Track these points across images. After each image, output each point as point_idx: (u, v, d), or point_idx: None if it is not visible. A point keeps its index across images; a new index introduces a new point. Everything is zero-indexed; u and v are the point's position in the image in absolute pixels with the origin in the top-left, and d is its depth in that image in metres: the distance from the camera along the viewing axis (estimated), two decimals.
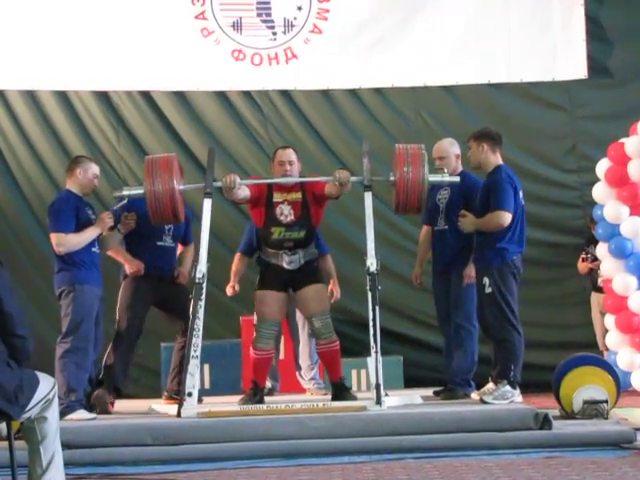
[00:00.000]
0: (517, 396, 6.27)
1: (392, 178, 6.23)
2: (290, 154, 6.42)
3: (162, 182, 6.12)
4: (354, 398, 6.24)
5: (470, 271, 6.55)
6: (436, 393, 6.78)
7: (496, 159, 6.48)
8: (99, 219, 6.31)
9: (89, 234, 6.24)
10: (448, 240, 6.69)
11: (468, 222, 6.42)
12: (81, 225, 6.25)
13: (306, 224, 6.35)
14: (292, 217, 6.32)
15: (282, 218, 6.32)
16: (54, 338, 6.34)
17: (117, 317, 6.62)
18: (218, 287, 8.18)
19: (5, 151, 8.78)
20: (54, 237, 6.21)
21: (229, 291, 7.30)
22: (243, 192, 6.30)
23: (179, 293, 6.73)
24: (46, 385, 4.17)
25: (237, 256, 7.30)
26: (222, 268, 7.68)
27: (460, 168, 6.78)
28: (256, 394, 6.31)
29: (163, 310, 6.81)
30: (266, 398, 6.50)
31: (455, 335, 6.67)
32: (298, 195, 6.36)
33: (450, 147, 6.80)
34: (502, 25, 8.94)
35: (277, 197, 6.36)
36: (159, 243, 6.71)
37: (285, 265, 6.32)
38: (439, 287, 6.82)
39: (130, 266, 6.61)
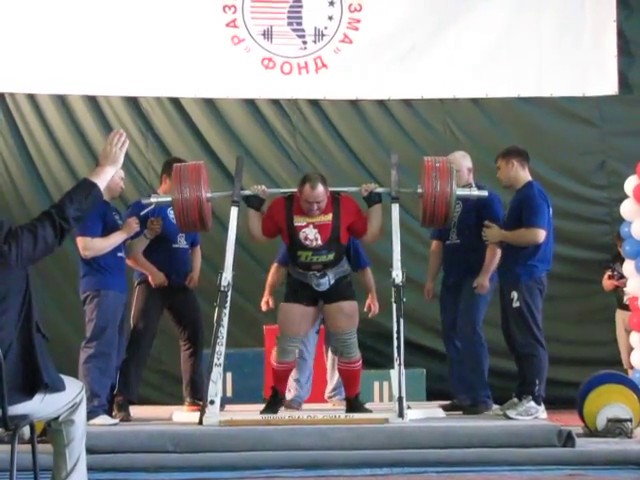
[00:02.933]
0: (541, 412, 6.25)
1: (419, 190, 6.23)
2: (318, 195, 6.05)
3: (190, 190, 6.14)
4: (369, 412, 6.21)
5: (484, 281, 6.51)
6: (444, 408, 6.64)
7: (525, 175, 6.49)
8: (126, 224, 6.34)
9: (115, 239, 6.26)
10: (460, 254, 6.64)
11: (495, 233, 6.40)
12: (107, 230, 6.27)
13: (335, 246, 6.20)
14: (319, 241, 6.15)
15: (308, 243, 6.15)
16: (78, 343, 6.37)
17: (132, 323, 6.63)
18: (242, 295, 8.22)
19: (35, 155, 8.83)
20: (80, 241, 6.22)
21: (264, 307, 7.04)
22: (256, 230, 6.24)
23: (189, 299, 6.79)
24: (73, 389, 4.19)
25: (274, 267, 7.06)
26: (247, 276, 7.71)
27: (472, 182, 6.76)
28: (276, 401, 6.31)
29: (172, 314, 6.83)
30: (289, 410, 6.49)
31: (465, 345, 6.60)
32: (328, 218, 6.16)
33: (462, 160, 6.75)
34: (533, 39, 8.91)
35: (299, 221, 6.17)
36: (174, 245, 6.74)
37: (314, 287, 6.21)
38: (447, 299, 6.77)
39: (154, 278, 6.61)
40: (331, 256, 6.20)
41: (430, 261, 7.07)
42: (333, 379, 7.04)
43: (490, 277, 6.59)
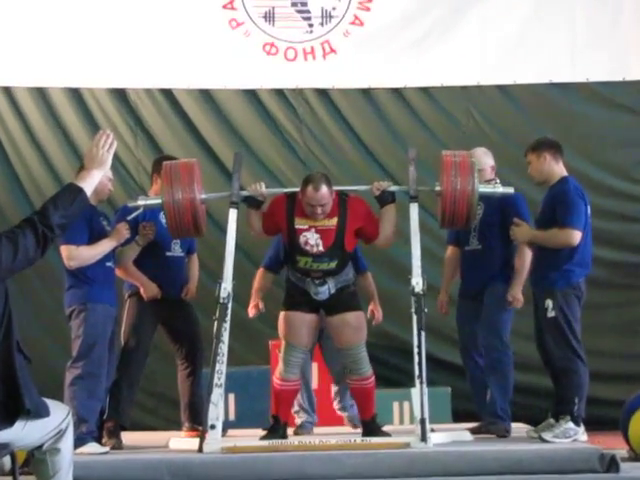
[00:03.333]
0: (581, 434, 6.25)
1: (438, 188, 6.24)
2: (322, 198, 6.03)
3: (182, 192, 6.15)
4: (387, 436, 6.21)
5: (518, 292, 6.52)
6: (472, 431, 6.65)
7: (560, 169, 6.49)
8: (115, 230, 6.34)
9: (104, 247, 6.26)
10: (482, 261, 6.63)
11: (524, 232, 6.40)
12: (94, 237, 6.26)
13: (338, 253, 6.19)
14: (321, 248, 6.15)
15: (308, 248, 6.15)
16: (63, 362, 6.38)
17: (122, 340, 6.64)
18: (244, 307, 8.20)
19: (11, 153, 8.86)
20: (64, 250, 6.21)
21: (251, 312, 7.10)
22: (257, 226, 6.29)
23: (187, 313, 6.82)
24: (58, 414, 4.20)
25: (260, 272, 7.12)
26: (249, 286, 7.69)
27: (496, 179, 6.76)
28: (277, 431, 6.27)
29: (167, 330, 6.86)
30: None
31: (490, 358, 6.58)
32: (332, 222, 6.16)
33: (485, 157, 6.75)
34: (566, 18, 8.91)
35: (300, 223, 6.17)
36: (168, 254, 6.76)
37: (312, 295, 6.24)
38: (466, 311, 6.75)
39: (146, 290, 6.63)
40: (333, 264, 6.20)
41: (445, 269, 7.04)
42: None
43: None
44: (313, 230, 6.15)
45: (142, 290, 6.65)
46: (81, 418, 6.08)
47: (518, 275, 6.57)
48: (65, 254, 6.21)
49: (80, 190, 4.12)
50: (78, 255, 6.19)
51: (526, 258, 6.54)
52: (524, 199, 6.72)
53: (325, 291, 6.22)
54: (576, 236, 6.29)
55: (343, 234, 6.17)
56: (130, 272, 6.65)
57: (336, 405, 7.19)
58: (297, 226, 6.17)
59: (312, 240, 6.15)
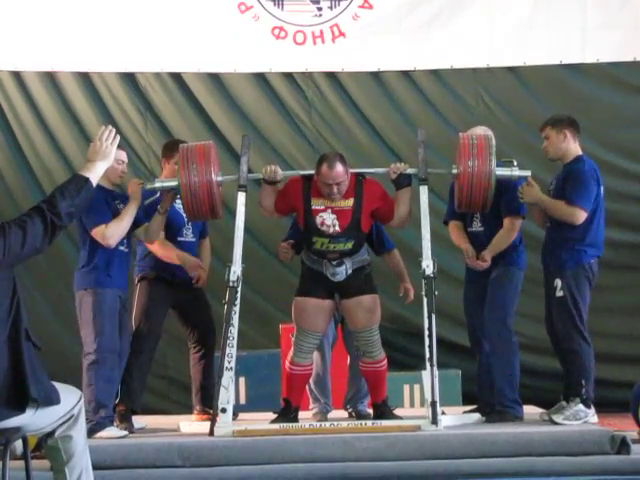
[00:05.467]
0: (591, 416, 6.23)
1: (454, 171, 6.22)
2: (337, 176, 6.04)
3: (199, 173, 6.14)
4: (398, 419, 6.21)
5: (488, 255, 6.40)
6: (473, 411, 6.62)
7: (577, 148, 6.45)
8: (129, 193, 6.27)
9: (128, 214, 6.19)
10: (485, 243, 6.54)
11: (533, 192, 6.28)
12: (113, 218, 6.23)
13: (354, 234, 6.20)
14: (337, 228, 6.16)
15: (324, 228, 6.16)
16: (74, 346, 6.39)
17: (133, 325, 6.63)
18: (254, 290, 8.23)
19: (20, 138, 8.85)
20: (96, 233, 6.15)
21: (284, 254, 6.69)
22: (269, 204, 6.27)
23: (198, 297, 6.80)
24: (70, 399, 4.21)
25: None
26: (258, 269, 7.73)
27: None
28: (288, 414, 6.27)
29: (178, 313, 6.85)
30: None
31: (493, 342, 6.49)
32: (349, 203, 6.17)
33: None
34: None
35: (316, 204, 6.18)
36: (180, 239, 6.74)
37: (329, 276, 6.23)
38: (472, 296, 6.68)
39: (187, 263, 6.55)
40: (349, 244, 6.20)
41: (455, 239, 6.76)
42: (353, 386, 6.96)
43: (519, 264, 6.54)
44: (329, 210, 6.16)
45: (188, 268, 6.56)
46: (100, 403, 6.10)
47: (496, 242, 6.45)
48: (99, 236, 6.16)
49: (86, 180, 4.21)
50: (111, 232, 6.13)
51: (512, 230, 6.45)
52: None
53: (342, 272, 6.20)
54: (581, 215, 6.24)
55: (360, 215, 6.17)
56: (166, 246, 6.58)
57: (348, 409, 7.03)
58: (313, 207, 6.18)
59: (328, 220, 6.16)
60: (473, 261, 6.52)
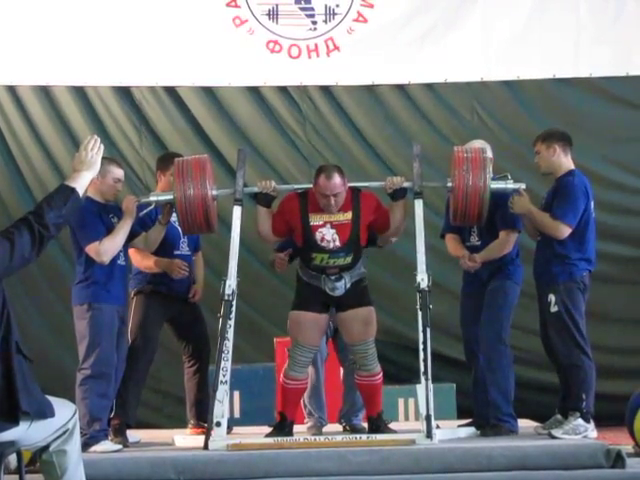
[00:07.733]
0: (591, 431, 6.21)
1: (449, 184, 6.22)
2: (335, 186, 6.05)
3: (194, 187, 6.14)
4: (393, 433, 6.20)
5: (478, 258, 6.41)
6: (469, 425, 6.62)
7: (568, 162, 6.46)
8: (124, 209, 6.27)
9: (122, 229, 6.20)
10: None
11: (523, 203, 6.29)
12: (107, 233, 6.22)
13: (353, 248, 6.21)
14: (337, 243, 6.16)
15: (324, 244, 6.16)
16: (71, 362, 6.37)
17: (129, 338, 6.60)
18: (249, 304, 8.22)
19: (15, 151, 8.84)
20: (90, 250, 6.16)
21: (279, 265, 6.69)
22: (266, 229, 6.24)
23: (193, 310, 6.81)
24: (64, 413, 4.19)
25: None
26: (253, 283, 7.71)
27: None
28: (283, 428, 6.26)
29: (173, 327, 6.85)
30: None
31: (488, 356, 6.48)
32: (347, 216, 6.18)
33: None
34: (570, 13, 8.88)
35: (315, 220, 6.19)
36: (176, 252, 6.73)
37: (328, 291, 6.22)
38: (468, 313, 6.68)
39: (171, 268, 6.55)
40: (349, 259, 6.20)
41: (452, 250, 6.77)
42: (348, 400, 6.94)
43: (516, 278, 6.53)
44: (329, 225, 6.17)
45: (171, 272, 6.56)
46: (93, 417, 6.09)
47: (489, 250, 6.46)
48: (93, 253, 6.16)
49: (73, 190, 4.20)
50: (105, 248, 6.14)
51: (506, 242, 6.45)
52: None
53: (342, 286, 6.20)
54: (564, 230, 6.25)
55: (358, 228, 6.18)
56: (144, 254, 6.56)
57: (342, 423, 6.99)
58: (312, 223, 6.18)
59: (328, 236, 6.16)
60: (464, 262, 6.53)
